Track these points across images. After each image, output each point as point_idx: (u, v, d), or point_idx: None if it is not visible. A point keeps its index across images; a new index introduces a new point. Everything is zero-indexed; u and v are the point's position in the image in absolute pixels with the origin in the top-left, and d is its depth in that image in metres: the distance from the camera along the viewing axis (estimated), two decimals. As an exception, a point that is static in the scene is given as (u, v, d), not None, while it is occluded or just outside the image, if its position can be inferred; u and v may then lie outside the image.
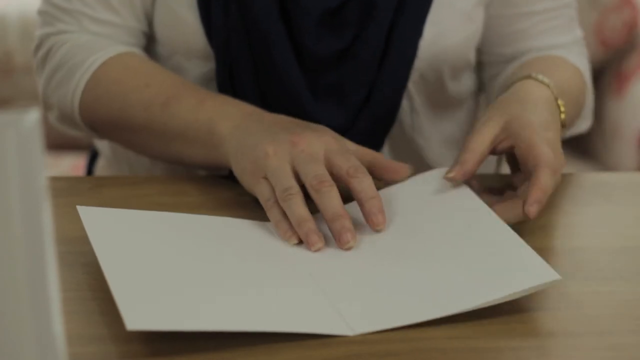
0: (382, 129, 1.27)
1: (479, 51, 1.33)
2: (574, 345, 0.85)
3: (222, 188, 1.10)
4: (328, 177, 0.99)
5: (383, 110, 1.24)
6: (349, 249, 0.95)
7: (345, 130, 1.22)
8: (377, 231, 0.98)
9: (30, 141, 0.58)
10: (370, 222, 0.98)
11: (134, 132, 1.17)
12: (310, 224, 0.96)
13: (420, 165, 1.32)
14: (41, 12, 1.24)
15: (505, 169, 1.15)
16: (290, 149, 1.01)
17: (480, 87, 1.38)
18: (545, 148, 1.03)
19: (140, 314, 0.81)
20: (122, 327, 0.85)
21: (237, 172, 1.05)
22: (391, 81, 1.23)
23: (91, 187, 1.11)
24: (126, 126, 1.17)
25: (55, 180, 1.14)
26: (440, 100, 1.31)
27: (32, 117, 0.58)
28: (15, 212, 0.58)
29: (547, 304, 0.89)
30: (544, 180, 1.00)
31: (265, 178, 1.01)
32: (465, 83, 1.33)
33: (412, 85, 1.26)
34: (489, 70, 1.35)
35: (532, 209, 0.99)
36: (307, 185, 0.99)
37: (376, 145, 1.27)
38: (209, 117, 1.10)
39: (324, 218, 0.97)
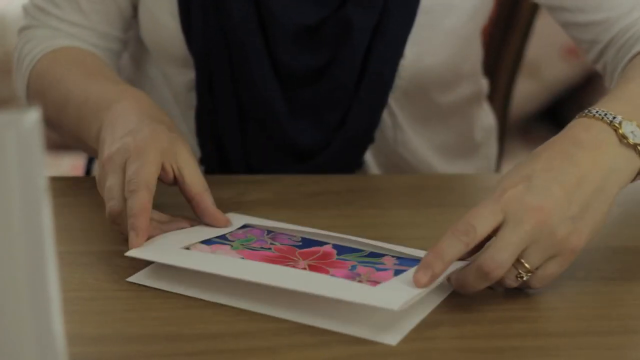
0: (359, 149, 1.24)
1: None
2: (574, 345, 0.85)
3: (222, 188, 1.10)
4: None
5: (359, 131, 1.21)
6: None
7: (321, 148, 1.21)
8: None
9: (30, 141, 0.58)
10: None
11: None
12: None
13: (408, 170, 1.30)
14: (23, 7, 1.26)
15: (505, 169, 1.15)
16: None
17: (491, 91, 1.33)
18: (481, 209, 0.86)
19: None
20: (122, 327, 0.85)
21: None
22: (368, 102, 1.19)
23: (91, 187, 1.11)
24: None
25: (55, 180, 1.14)
26: (428, 113, 1.27)
27: (32, 117, 0.58)
28: (15, 212, 0.58)
29: (547, 304, 0.89)
30: (442, 244, 0.85)
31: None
32: (461, 92, 1.29)
33: (394, 102, 1.22)
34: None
35: (417, 276, 0.84)
36: None
37: (354, 163, 1.24)
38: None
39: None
